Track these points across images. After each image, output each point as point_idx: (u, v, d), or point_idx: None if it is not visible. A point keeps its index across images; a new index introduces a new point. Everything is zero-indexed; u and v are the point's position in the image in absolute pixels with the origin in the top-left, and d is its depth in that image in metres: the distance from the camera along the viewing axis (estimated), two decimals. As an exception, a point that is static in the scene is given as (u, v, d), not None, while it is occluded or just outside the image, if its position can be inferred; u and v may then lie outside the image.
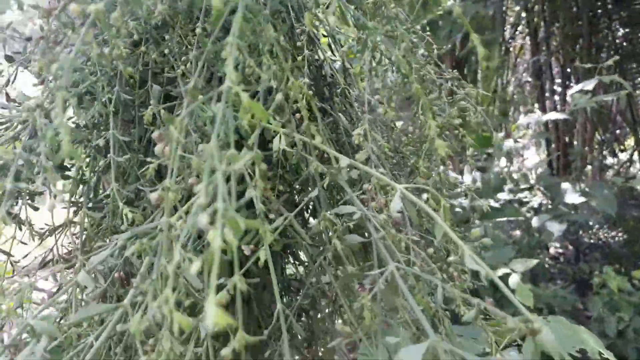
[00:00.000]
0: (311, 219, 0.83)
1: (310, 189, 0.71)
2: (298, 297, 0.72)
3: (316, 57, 0.76)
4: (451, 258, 0.46)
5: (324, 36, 0.80)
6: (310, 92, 0.59)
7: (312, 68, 0.77)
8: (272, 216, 0.52)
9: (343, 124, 0.71)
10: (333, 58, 0.80)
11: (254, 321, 0.77)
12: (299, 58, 0.59)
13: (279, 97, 0.44)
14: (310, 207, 0.80)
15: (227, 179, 0.31)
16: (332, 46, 0.82)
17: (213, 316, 0.21)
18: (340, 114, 0.72)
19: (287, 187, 0.70)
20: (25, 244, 0.60)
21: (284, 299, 0.80)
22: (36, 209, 0.59)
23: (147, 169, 0.43)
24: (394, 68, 0.56)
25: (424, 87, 0.53)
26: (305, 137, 0.51)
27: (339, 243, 0.46)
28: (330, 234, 0.48)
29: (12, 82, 0.67)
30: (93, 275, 0.51)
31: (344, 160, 0.46)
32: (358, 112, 0.73)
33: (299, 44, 0.62)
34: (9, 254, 0.59)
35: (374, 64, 0.55)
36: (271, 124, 0.50)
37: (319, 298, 0.75)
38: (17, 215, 0.59)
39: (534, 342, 0.33)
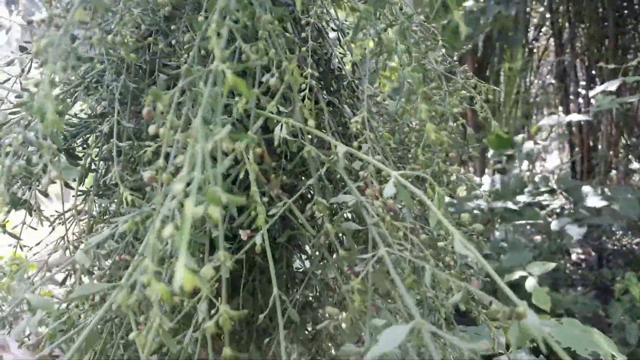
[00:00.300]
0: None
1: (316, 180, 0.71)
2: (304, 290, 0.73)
3: (325, 51, 0.76)
4: (441, 243, 0.46)
5: (333, 30, 0.81)
6: (313, 82, 0.60)
7: (321, 61, 0.78)
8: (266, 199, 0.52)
9: (349, 117, 0.72)
10: (342, 52, 0.80)
11: (258, 312, 0.78)
12: (303, 49, 0.59)
13: (273, 80, 0.44)
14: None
15: (215, 159, 0.32)
16: (342, 40, 0.82)
17: (181, 278, 0.22)
18: (345, 107, 0.72)
19: (294, 180, 0.71)
20: (35, 229, 0.62)
21: (290, 292, 0.81)
22: (46, 195, 0.61)
23: (144, 152, 0.44)
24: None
25: (426, 74, 0.53)
26: (312, 129, 0.52)
27: (332, 227, 0.46)
28: (325, 219, 0.48)
29: (28, 72, 0.69)
30: (95, 257, 0.53)
31: (342, 148, 0.47)
32: (370, 104, 0.74)
33: (303, 35, 0.62)
34: (18, 238, 0.61)
35: (378, 55, 0.55)
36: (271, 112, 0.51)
37: (323, 290, 0.75)
38: (27, 201, 0.61)
39: (518, 326, 0.33)
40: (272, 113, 0.52)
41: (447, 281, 0.38)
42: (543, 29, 4.27)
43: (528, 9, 3.89)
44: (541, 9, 4.15)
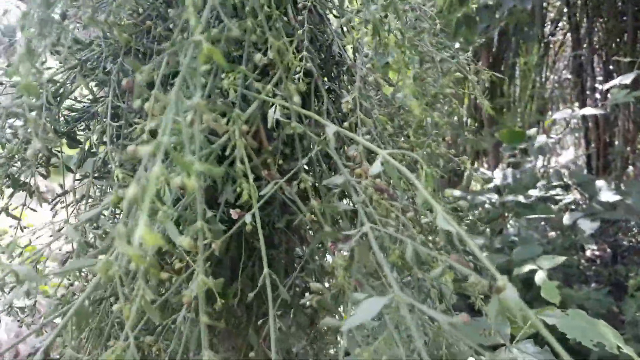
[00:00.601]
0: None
1: (314, 167, 0.71)
2: (301, 275, 0.73)
3: (326, 37, 0.76)
4: (425, 219, 0.46)
5: (335, 17, 0.80)
6: (309, 64, 0.60)
7: (322, 48, 0.78)
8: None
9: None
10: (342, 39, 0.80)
11: (257, 297, 0.79)
12: (299, 32, 0.60)
13: (258, 56, 0.44)
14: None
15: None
16: (344, 28, 0.82)
17: (140, 235, 0.22)
18: (344, 92, 0.72)
19: (290, 164, 0.71)
20: (35, 210, 0.63)
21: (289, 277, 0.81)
22: (45, 176, 0.62)
23: (134, 129, 0.45)
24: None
25: (420, 56, 0.53)
26: (300, 109, 0.52)
27: (317, 204, 0.46)
28: (311, 196, 0.49)
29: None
30: (93, 238, 0.53)
31: (332, 128, 0.47)
32: (368, 91, 0.74)
33: (300, 18, 0.63)
34: (18, 219, 0.62)
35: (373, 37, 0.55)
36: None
37: (322, 275, 0.75)
38: (27, 183, 0.62)
39: (498, 300, 0.33)
40: (263, 94, 0.52)
41: (431, 258, 0.38)
42: (560, 24, 4.22)
43: (545, 4, 3.84)
44: (558, 4, 4.09)
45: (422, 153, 0.52)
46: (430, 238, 0.52)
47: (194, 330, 0.54)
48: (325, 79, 0.77)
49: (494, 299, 0.33)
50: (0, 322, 0.66)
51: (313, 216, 0.54)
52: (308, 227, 0.69)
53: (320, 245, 0.71)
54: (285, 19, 0.63)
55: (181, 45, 0.32)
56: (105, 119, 0.55)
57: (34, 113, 0.36)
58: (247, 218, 0.47)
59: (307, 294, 0.80)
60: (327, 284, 0.74)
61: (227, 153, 0.52)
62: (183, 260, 0.51)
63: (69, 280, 0.55)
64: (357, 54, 0.79)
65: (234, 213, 0.48)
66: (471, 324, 1.00)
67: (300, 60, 0.57)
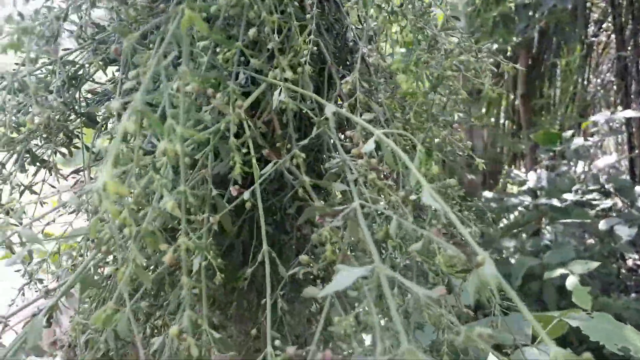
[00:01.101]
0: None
1: (325, 155, 0.72)
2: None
3: (341, 25, 0.77)
4: (413, 197, 0.45)
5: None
6: (315, 47, 0.60)
7: (338, 36, 0.78)
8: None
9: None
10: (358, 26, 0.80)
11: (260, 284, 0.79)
12: (308, 17, 0.60)
13: (252, 31, 0.45)
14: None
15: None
16: (359, 15, 0.82)
17: (103, 181, 0.23)
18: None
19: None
20: (54, 187, 0.66)
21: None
22: (64, 154, 0.64)
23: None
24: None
25: (424, 38, 0.53)
26: (303, 90, 0.53)
27: (309, 180, 0.47)
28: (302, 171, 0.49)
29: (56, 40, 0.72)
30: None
31: (330, 107, 0.47)
32: (379, 79, 0.73)
33: (309, 2, 0.63)
34: (38, 193, 0.64)
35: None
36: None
37: (330, 265, 0.75)
38: (46, 161, 0.64)
39: (477, 275, 0.33)
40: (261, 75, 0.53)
41: (415, 232, 0.38)
42: (604, 25, 4.08)
43: (588, 4, 3.73)
44: (603, 4, 3.97)
45: (422, 136, 0.51)
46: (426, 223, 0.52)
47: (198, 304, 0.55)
48: (341, 67, 0.77)
49: (473, 274, 0.33)
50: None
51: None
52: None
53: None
54: (297, 4, 0.63)
55: (169, 15, 0.33)
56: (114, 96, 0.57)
57: (34, 80, 0.37)
58: (246, 195, 0.48)
59: (317, 281, 0.80)
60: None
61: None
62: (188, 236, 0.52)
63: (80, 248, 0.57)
64: (361, 37, 0.79)
65: (233, 189, 0.49)
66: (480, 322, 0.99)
67: (308, 43, 0.58)
